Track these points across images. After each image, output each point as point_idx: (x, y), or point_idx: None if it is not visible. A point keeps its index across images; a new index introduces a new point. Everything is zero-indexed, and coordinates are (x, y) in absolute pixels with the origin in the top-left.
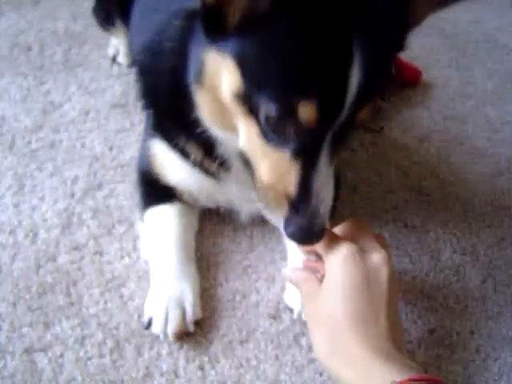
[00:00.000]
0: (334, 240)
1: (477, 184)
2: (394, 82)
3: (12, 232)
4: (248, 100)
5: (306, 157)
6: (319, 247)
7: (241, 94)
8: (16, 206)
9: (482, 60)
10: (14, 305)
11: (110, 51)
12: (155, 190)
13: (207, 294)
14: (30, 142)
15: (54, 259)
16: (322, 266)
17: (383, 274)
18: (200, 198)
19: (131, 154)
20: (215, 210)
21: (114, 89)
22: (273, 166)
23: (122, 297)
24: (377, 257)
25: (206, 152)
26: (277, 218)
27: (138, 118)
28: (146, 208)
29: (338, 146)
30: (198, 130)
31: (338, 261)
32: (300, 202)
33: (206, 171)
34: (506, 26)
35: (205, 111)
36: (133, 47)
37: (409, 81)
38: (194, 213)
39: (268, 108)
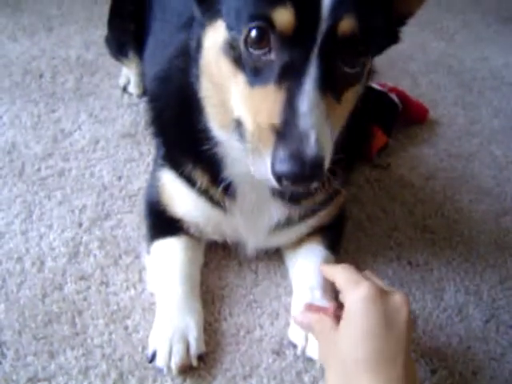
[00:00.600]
0: (355, 275)
1: (481, 223)
2: (401, 119)
3: (19, 260)
4: (233, 45)
5: (291, 78)
6: (339, 281)
7: (227, 42)
8: (24, 233)
9: (489, 98)
10: (20, 333)
11: (121, 81)
12: (162, 223)
13: (211, 329)
14: (39, 170)
15: (60, 288)
16: (329, 309)
17: (403, 315)
18: (206, 230)
19: (139, 184)
20: (221, 243)
21: (123, 118)
22: (259, 104)
23: (126, 328)
24: (398, 297)
25: (211, 177)
26: (264, 166)
27: (146, 148)
28: (153, 240)
29: (332, 81)
30: (205, 147)
31: (359, 300)
32: (286, 127)
33: (212, 200)
34: None
35: (209, 106)
36: (146, 78)
37: (415, 118)
38: (200, 246)
39: (248, 30)
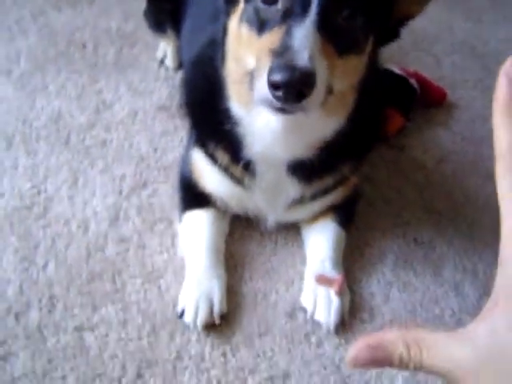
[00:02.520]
0: None
1: (486, 206)
2: (420, 102)
3: (66, 223)
4: (248, 10)
5: (292, 19)
6: None
7: (244, 10)
8: (70, 198)
9: None
10: (67, 288)
11: (159, 54)
12: (193, 196)
13: (233, 291)
14: (83, 139)
15: (102, 250)
16: (337, 280)
17: None
18: (231, 205)
19: (173, 156)
20: (245, 216)
21: (160, 91)
22: (265, 44)
23: (159, 287)
24: None
25: (232, 156)
26: (263, 84)
27: (180, 122)
28: (185, 211)
29: (331, 31)
30: (227, 127)
31: None
32: (283, 48)
33: (233, 177)
34: None
35: (230, 83)
36: (182, 54)
37: (434, 101)
38: (226, 218)
39: None
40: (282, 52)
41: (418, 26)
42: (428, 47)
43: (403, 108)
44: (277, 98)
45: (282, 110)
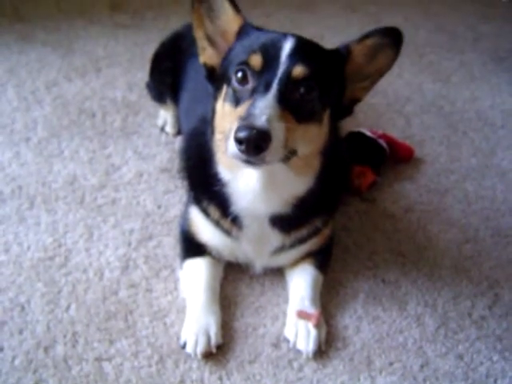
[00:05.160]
0: None
1: (446, 250)
2: (390, 159)
3: (85, 271)
4: (229, 92)
5: (258, 92)
6: None
7: (226, 92)
8: (87, 250)
9: (471, 138)
10: (88, 326)
11: (159, 121)
12: (191, 246)
13: (227, 326)
14: (96, 199)
15: (115, 293)
16: (314, 315)
17: None
18: (223, 253)
19: (175, 212)
20: (236, 262)
21: (162, 155)
22: (238, 111)
23: (165, 324)
24: None
25: (222, 211)
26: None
27: (180, 182)
28: (185, 259)
29: (289, 103)
30: (216, 188)
31: None
32: (247, 115)
33: (223, 229)
34: (498, 104)
35: (218, 153)
36: (180, 122)
37: (402, 158)
38: (220, 265)
39: (237, 74)
40: (246, 117)
41: (392, 88)
42: (400, 109)
43: (374, 165)
44: (241, 151)
45: (248, 162)
